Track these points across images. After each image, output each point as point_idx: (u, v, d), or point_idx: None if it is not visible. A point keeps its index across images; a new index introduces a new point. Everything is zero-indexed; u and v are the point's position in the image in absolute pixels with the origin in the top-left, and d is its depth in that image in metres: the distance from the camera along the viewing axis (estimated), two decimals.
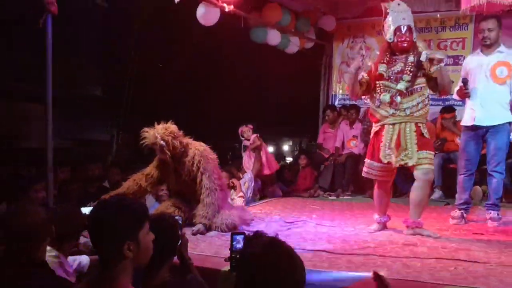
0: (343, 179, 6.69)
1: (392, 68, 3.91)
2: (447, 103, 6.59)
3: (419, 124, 3.89)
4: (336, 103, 7.74)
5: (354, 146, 6.79)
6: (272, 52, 7.07)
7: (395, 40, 3.90)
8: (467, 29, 6.76)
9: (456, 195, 4.71)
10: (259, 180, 6.34)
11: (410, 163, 3.81)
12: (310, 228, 4.44)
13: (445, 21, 6.95)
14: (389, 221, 4.27)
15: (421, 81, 3.89)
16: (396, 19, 3.91)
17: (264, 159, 6.22)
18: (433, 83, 3.89)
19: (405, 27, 3.87)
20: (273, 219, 4.83)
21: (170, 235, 2.25)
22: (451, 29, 7.00)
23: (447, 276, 2.89)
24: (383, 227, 4.23)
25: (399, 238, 3.92)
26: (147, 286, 2.00)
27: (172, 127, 4.04)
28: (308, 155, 7.31)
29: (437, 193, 6.16)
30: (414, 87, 3.87)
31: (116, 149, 9.37)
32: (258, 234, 1.53)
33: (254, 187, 5.98)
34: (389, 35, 3.94)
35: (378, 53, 4.20)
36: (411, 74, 3.83)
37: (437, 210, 5.25)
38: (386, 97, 3.85)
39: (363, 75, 3.99)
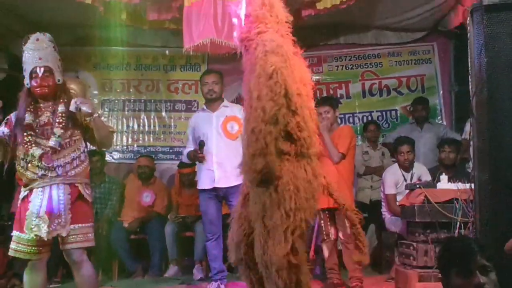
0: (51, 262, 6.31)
1: (39, 119, 3.85)
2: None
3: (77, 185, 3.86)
4: None
5: None
6: None
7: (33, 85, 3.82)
8: (199, 70, 7.38)
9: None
10: None
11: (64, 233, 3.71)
12: None
13: (175, 59, 7.52)
14: None
15: (77, 133, 3.91)
16: (31, 59, 3.82)
17: None
18: (91, 135, 3.95)
19: (42, 69, 3.79)
20: None
21: None
22: (182, 69, 7.60)
23: None
24: None
25: None
26: None
27: None
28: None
29: (172, 269, 6.35)
30: (66, 140, 3.84)
31: None
32: None
33: None
34: (26, 80, 3.85)
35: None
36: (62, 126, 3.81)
37: None
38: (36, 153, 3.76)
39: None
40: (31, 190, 3.76)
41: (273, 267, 3.03)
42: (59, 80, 3.83)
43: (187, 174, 6.53)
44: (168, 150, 7.56)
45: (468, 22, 3.72)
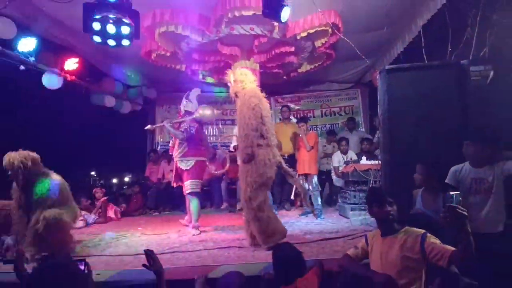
0: (164, 200, 6.38)
1: None
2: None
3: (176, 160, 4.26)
4: (159, 148, 7.50)
5: (171, 178, 6.53)
6: (109, 112, 6.45)
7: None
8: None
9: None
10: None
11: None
12: (135, 238, 4.03)
13: (226, 98, 7.35)
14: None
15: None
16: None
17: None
18: None
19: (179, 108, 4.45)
20: (106, 234, 4.22)
21: None
22: (229, 103, 7.41)
23: (223, 259, 2.92)
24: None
25: (198, 237, 3.85)
26: None
27: (33, 154, 3.10)
28: (139, 184, 6.77)
29: (224, 205, 6.36)
30: (172, 140, 4.45)
31: None
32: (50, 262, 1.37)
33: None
34: None
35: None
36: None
37: (225, 216, 5.44)
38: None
39: None
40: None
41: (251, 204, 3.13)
42: (182, 111, 4.34)
43: (233, 155, 6.53)
44: (222, 144, 7.56)
45: (377, 77, 3.66)
